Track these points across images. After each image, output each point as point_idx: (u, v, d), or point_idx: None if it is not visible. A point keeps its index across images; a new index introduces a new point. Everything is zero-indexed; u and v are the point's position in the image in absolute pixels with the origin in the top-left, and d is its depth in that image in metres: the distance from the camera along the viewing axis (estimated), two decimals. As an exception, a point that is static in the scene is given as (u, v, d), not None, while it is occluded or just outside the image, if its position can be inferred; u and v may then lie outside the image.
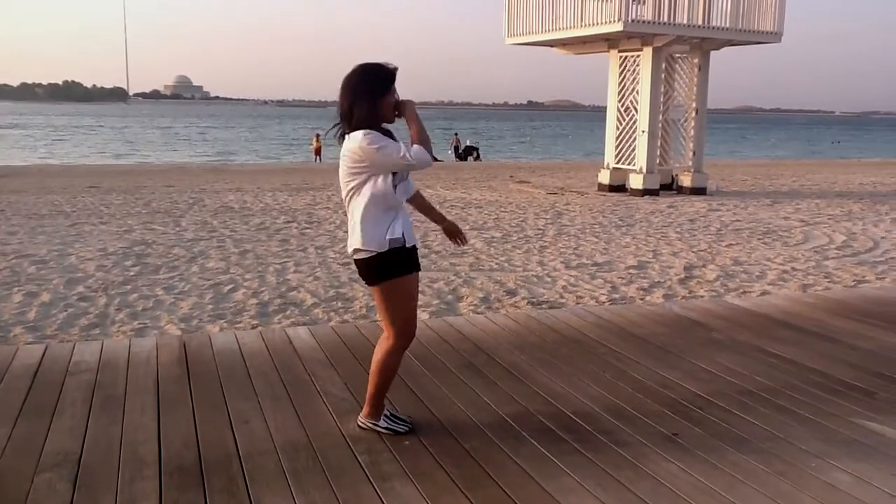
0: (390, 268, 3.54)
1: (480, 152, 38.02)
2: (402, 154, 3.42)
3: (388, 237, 3.51)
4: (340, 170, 3.59)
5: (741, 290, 8.49)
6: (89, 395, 4.28)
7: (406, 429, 3.76)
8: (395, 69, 3.55)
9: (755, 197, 18.52)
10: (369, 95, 3.47)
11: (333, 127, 3.63)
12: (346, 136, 3.54)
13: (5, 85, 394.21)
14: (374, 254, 3.52)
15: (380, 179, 3.49)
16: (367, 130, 3.45)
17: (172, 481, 3.30)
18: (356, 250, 3.56)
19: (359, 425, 3.82)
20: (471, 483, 3.31)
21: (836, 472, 3.47)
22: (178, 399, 4.25)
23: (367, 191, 3.50)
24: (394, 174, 3.52)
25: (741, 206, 16.48)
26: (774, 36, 18.66)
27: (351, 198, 3.56)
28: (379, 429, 3.75)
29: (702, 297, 8.11)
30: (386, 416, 3.78)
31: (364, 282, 3.68)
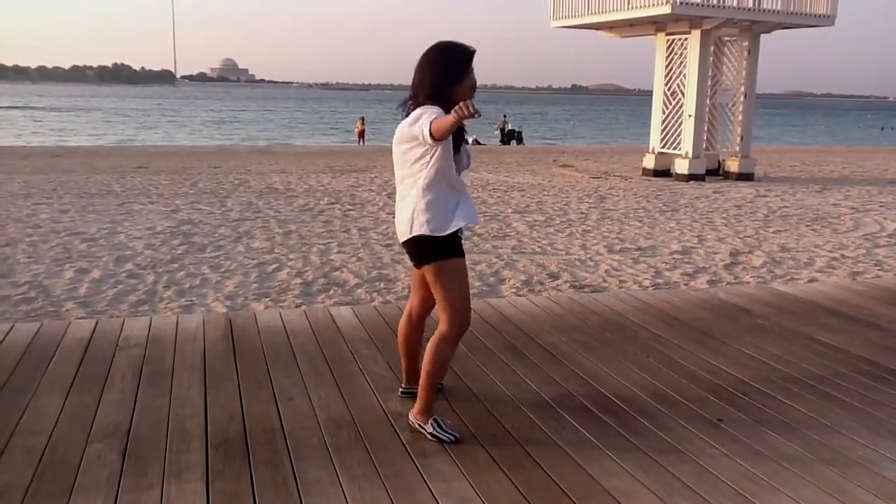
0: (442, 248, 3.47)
1: (523, 136, 37.83)
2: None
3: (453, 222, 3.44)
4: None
5: (788, 277, 8.35)
6: (138, 370, 4.37)
7: (450, 439, 3.52)
8: (474, 51, 3.44)
9: (804, 183, 18.17)
10: (445, 78, 3.37)
11: (401, 105, 3.52)
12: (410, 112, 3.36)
13: (57, 67, 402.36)
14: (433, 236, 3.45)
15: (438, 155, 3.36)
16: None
17: (218, 454, 3.36)
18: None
19: (409, 420, 3.68)
20: (511, 463, 3.32)
21: (883, 461, 3.41)
22: (224, 375, 4.32)
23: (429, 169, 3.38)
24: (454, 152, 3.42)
25: (789, 193, 16.18)
26: (827, 19, 18.23)
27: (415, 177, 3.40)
28: (425, 432, 3.56)
29: (748, 283, 8.00)
30: (435, 420, 3.59)
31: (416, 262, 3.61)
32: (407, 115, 3.45)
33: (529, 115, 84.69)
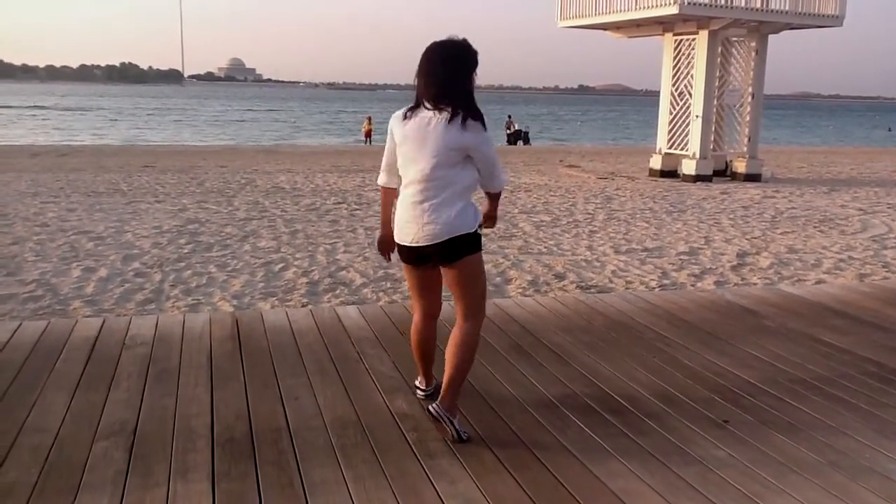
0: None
1: (530, 136, 37.79)
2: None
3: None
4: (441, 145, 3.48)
5: (795, 279, 8.33)
6: (144, 368, 4.38)
7: (467, 436, 3.53)
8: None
9: (811, 184, 18.12)
10: (457, 74, 3.45)
11: (439, 106, 3.52)
12: (467, 120, 3.42)
13: (65, 67, 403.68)
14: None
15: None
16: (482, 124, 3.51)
17: (224, 453, 3.37)
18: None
19: (429, 410, 3.59)
20: (517, 463, 3.32)
21: (890, 463, 3.40)
22: (231, 374, 4.33)
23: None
24: None
25: (797, 194, 16.14)
26: (835, 20, 18.18)
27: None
28: (451, 427, 3.51)
29: (755, 284, 7.98)
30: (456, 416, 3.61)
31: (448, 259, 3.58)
32: (443, 114, 3.45)
33: (536, 115, 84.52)
